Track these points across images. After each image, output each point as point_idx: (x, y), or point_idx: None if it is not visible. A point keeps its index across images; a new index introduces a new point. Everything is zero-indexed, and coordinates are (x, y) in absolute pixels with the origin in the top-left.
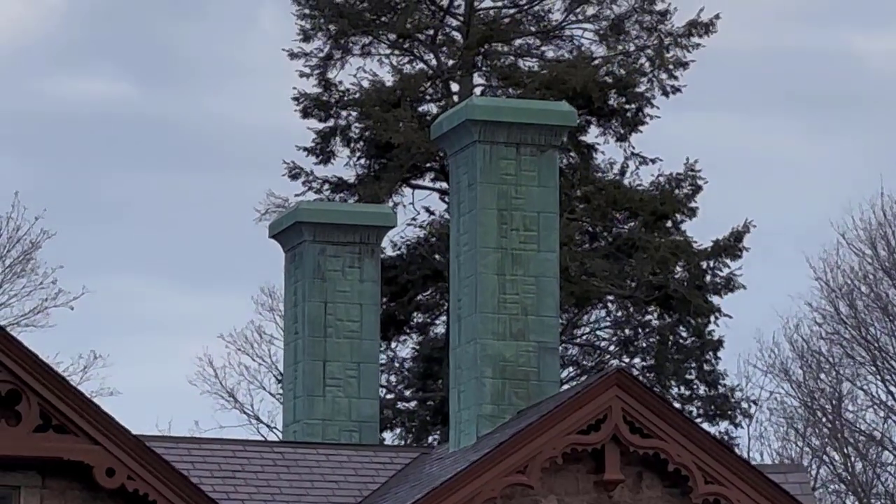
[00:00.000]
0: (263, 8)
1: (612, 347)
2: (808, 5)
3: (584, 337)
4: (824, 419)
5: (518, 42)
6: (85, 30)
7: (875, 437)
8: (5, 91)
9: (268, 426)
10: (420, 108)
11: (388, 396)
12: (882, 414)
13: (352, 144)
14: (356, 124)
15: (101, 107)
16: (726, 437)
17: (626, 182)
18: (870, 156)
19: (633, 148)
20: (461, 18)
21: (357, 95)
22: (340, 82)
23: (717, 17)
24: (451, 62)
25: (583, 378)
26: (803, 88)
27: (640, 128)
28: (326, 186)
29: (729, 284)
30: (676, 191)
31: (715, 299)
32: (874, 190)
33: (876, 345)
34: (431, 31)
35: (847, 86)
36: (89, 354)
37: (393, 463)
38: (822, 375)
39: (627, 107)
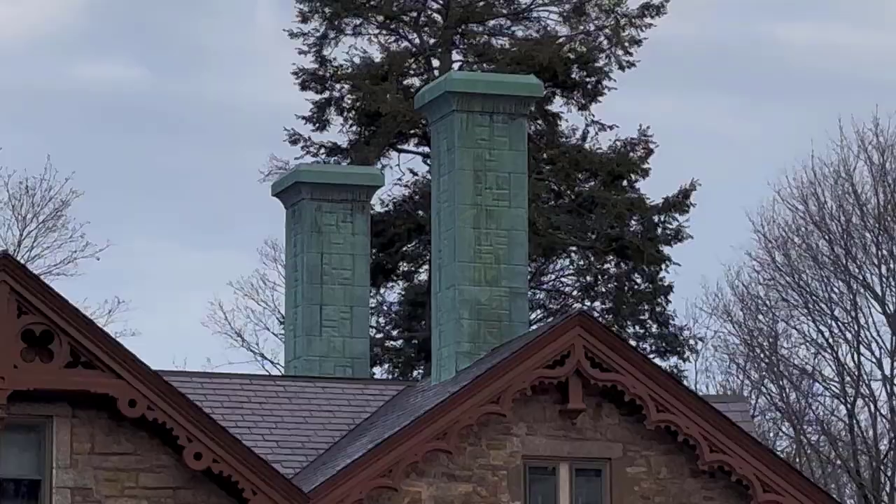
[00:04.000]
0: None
1: (574, 292)
2: (739, 1)
3: (550, 283)
4: (762, 355)
5: (491, 23)
6: (103, 21)
7: (807, 371)
8: (37, 73)
9: (271, 362)
10: (405, 82)
11: (378, 336)
12: (813, 350)
13: (344, 113)
14: (348, 96)
15: (120, 86)
16: (676, 371)
17: (586, 146)
18: (799, 125)
19: (593, 116)
20: (441, 1)
21: (349, 70)
22: (334, 59)
23: (666, 0)
24: (432, 41)
25: (549, 319)
26: (737, 70)
27: (599, 98)
28: (322, 150)
29: (678, 236)
30: (631, 154)
31: (665, 249)
32: (806, 153)
33: (807, 289)
34: (415, 14)
35: (774, 69)
36: (113, 299)
37: (382, 394)
38: (760, 317)
39: (588, 80)
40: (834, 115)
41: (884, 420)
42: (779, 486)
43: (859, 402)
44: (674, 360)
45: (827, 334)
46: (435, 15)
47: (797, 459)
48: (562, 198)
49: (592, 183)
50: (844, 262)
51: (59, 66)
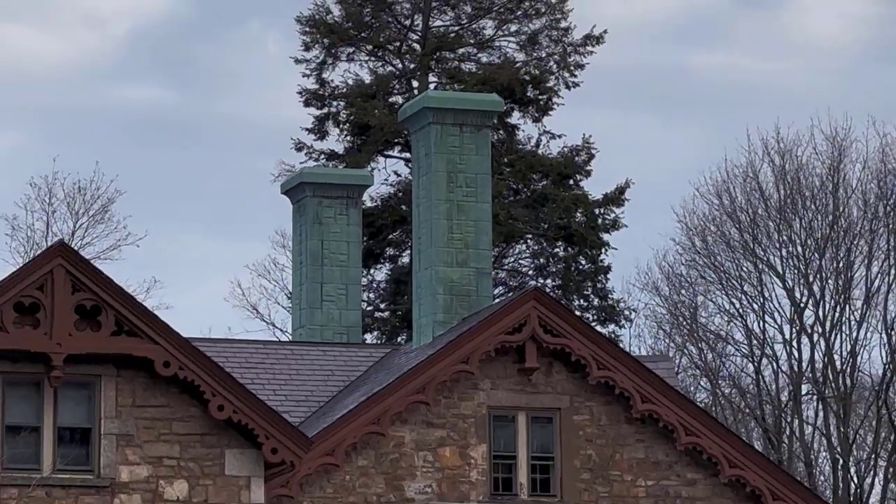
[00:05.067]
0: (270, 31)
1: (530, 272)
2: (662, 32)
3: (510, 264)
4: (684, 323)
5: (461, 50)
6: (140, 51)
7: (721, 335)
8: (86, 94)
9: (281, 330)
10: (390, 99)
11: (368, 308)
12: (726, 319)
13: (340, 125)
14: (343, 111)
15: (155, 105)
16: (613, 336)
17: (539, 151)
18: (714, 134)
19: (545, 127)
20: (419, 33)
21: (344, 90)
22: (332, 80)
23: (605, 31)
24: (412, 65)
25: (509, 294)
26: (663, 89)
27: (550, 112)
28: (322, 156)
29: (615, 225)
30: (576, 158)
31: (605, 236)
32: (720, 156)
33: (721, 269)
34: (398, 43)
35: (693, 88)
36: (151, 279)
37: (371, 356)
38: (683, 291)
39: (540, 97)
40: (742, 125)
41: (784, 376)
42: (698, 430)
43: (764, 361)
44: (612, 327)
45: (738, 305)
46: (414, 44)
47: (713, 409)
48: (519, 194)
49: (544, 182)
50: (752, 246)
51: (104, 88)
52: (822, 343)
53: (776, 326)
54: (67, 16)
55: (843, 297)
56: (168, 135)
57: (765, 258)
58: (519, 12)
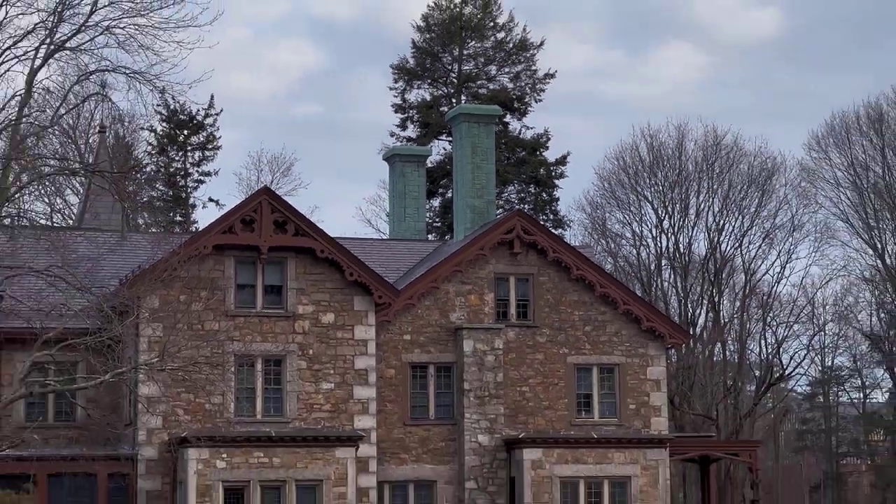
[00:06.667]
0: (374, 72)
1: (516, 202)
2: (587, 71)
3: (505, 197)
4: (598, 227)
5: (479, 82)
6: (303, 84)
7: (620, 235)
8: (274, 109)
9: (382, 233)
10: (441, 109)
11: (430, 221)
12: (621, 225)
13: (414, 122)
14: (416, 115)
15: (307, 117)
16: (561, 234)
17: (520, 136)
18: (616, 129)
19: (524, 123)
20: (456, 74)
21: (416, 104)
22: (409, 99)
23: (556, 71)
24: (452, 90)
25: (505, 213)
26: (589, 104)
27: (526, 115)
28: (405, 139)
29: (561, 175)
30: (540, 139)
31: (557, 182)
32: (618, 140)
33: (619, 199)
34: (445, 78)
35: (605, 104)
36: (313, 205)
37: (430, 247)
38: (597, 210)
39: (520, 107)
40: (630, 122)
41: (653, 255)
42: (607, 285)
43: (642, 248)
44: (560, 230)
45: (628, 219)
46: (453, 79)
47: (615, 274)
48: (510, 160)
49: (523, 153)
50: (635, 186)
51: (286, 106)
52: (673, 238)
53: (648, 229)
54: (263, 66)
55: (684, 214)
56: (320, 131)
57: (642, 192)
58: (509, 62)
